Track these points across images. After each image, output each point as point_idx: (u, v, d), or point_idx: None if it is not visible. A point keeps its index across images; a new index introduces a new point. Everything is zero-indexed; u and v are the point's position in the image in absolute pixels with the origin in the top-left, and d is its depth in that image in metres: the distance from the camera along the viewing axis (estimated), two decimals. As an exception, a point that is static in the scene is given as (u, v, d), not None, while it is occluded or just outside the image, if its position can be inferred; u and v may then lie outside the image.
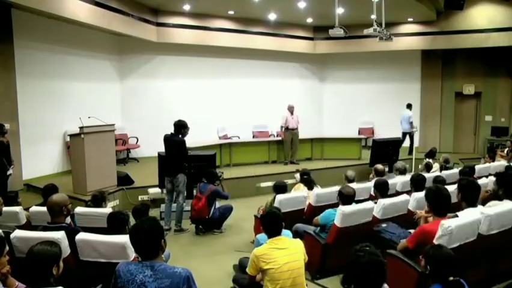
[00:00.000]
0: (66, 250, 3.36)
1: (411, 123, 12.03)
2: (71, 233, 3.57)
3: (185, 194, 6.95)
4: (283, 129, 10.93)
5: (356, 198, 4.99)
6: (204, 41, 11.81)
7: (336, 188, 5.32)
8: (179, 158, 6.79)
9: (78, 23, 8.47)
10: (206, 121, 11.61)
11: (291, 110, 10.80)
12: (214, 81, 12.57)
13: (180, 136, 6.76)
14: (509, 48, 11.96)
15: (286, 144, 10.86)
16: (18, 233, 3.60)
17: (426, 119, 13.60)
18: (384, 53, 13.13)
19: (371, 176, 7.24)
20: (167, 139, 6.82)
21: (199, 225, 6.79)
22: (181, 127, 6.76)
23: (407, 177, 6.38)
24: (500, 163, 8.48)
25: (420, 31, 12.77)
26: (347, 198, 4.78)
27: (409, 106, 12.44)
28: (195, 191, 7.18)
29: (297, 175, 9.77)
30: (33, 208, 4.81)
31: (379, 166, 7.06)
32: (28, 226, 4.53)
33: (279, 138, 11.33)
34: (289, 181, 9.16)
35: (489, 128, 13.05)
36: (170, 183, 6.84)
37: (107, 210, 4.77)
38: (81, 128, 7.39)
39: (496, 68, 12.95)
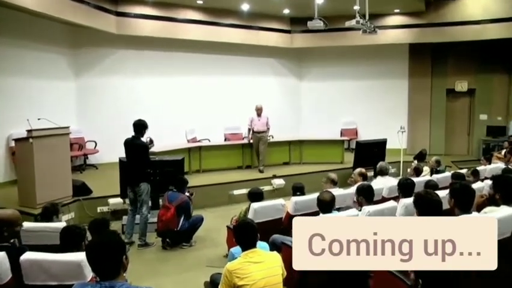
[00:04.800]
0: (6, 274, 3.21)
1: None
2: (15, 252, 3.44)
3: (149, 204, 6.88)
4: (250, 132, 10.80)
5: (338, 206, 5.00)
6: (169, 33, 11.72)
7: (317, 194, 5.34)
8: (141, 165, 6.73)
9: (24, 10, 8.23)
10: (173, 122, 11.52)
11: (258, 111, 10.62)
12: (181, 79, 12.50)
13: (142, 138, 6.72)
14: (506, 41, 11.95)
15: (254, 148, 10.79)
16: None
17: (414, 119, 13.77)
18: (368, 47, 13.24)
19: (349, 181, 7.26)
20: (128, 143, 6.75)
21: (166, 239, 6.72)
22: (141, 127, 6.71)
23: (392, 180, 6.44)
24: (497, 165, 8.57)
25: (408, 23, 12.90)
26: (323, 204, 4.76)
27: None
28: (161, 201, 7.10)
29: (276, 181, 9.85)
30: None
31: (362, 170, 7.08)
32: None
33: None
34: (266, 188, 9.19)
35: (484, 128, 13.23)
36: (132, 192, 6.77)
37: (60, 224, 4.65)
38: (29, 131, 7.17)
39: (491, 62, 13.05)
